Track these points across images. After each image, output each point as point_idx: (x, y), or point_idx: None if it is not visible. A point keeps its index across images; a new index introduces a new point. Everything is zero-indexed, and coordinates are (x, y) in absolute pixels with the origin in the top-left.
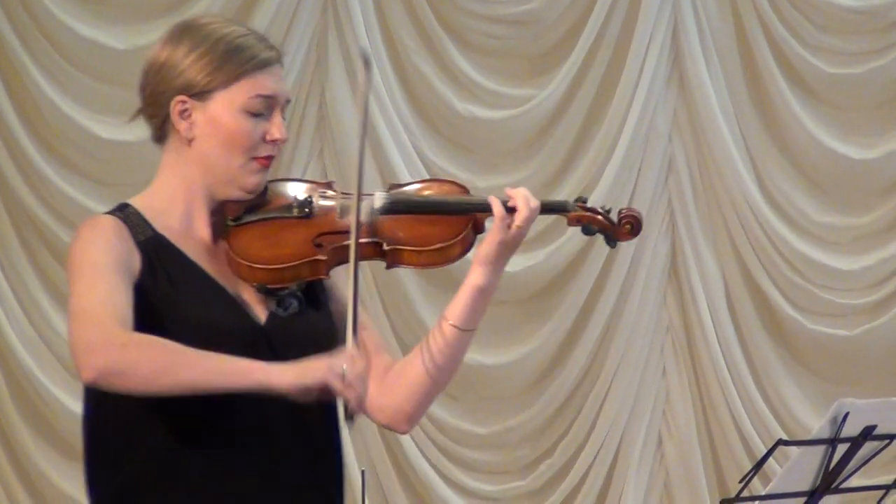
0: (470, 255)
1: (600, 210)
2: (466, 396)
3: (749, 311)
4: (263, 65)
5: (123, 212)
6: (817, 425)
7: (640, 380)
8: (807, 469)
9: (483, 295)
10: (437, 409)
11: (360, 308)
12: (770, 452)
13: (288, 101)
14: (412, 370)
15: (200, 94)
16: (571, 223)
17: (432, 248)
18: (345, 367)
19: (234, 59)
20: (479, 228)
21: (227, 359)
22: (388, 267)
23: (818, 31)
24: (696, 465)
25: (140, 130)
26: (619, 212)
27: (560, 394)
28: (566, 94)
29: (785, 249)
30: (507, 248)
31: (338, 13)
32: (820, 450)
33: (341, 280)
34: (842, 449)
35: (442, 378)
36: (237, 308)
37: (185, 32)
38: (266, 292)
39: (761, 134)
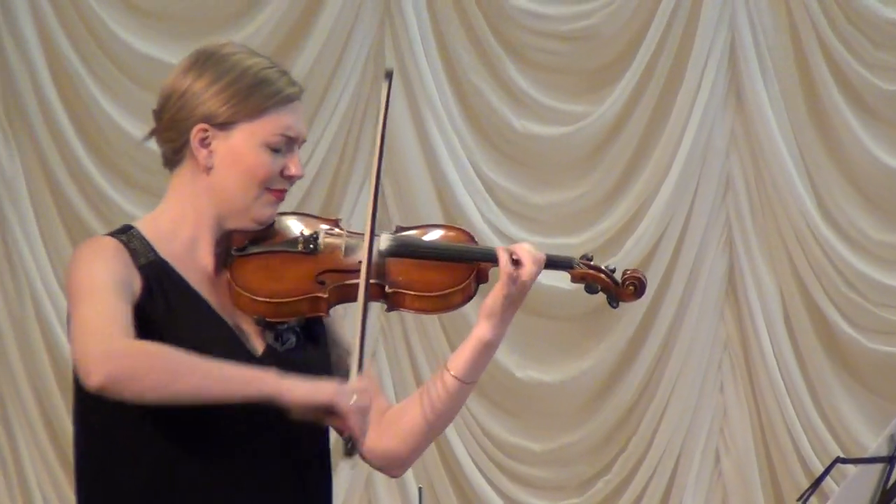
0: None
1: (604, 269)
2: (524, 413)
3: (806, 328)
4: (287, 101)
5: (126, 234)
6: (874, 443)
7: (698, 396)
8: (864, 487)
9: (488, 349)
10: (494, 426)
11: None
12: (828, 471)
13: (305, 140)
14: (409, 416)
15: (223, 124)
16: (575, 280)
17: (434, 294)
18: (355, 396)
19: (259, 93)
20: (482, 278)
21: (240, 367)
22: (389, 310)
23: (875, 47)
24: (753, 482)
25: None
26: (624, 273)
27: (618, 410)
28: (623, 110)
29: (842, 266)
30: (513, 302)
31: (395, 29)
32: (877, 468)
33: (340, 321)
34: None
35: (438, 426)
36: (234, 339)
37: (209, 61)
38: (265, 325)
39: (819, 151)
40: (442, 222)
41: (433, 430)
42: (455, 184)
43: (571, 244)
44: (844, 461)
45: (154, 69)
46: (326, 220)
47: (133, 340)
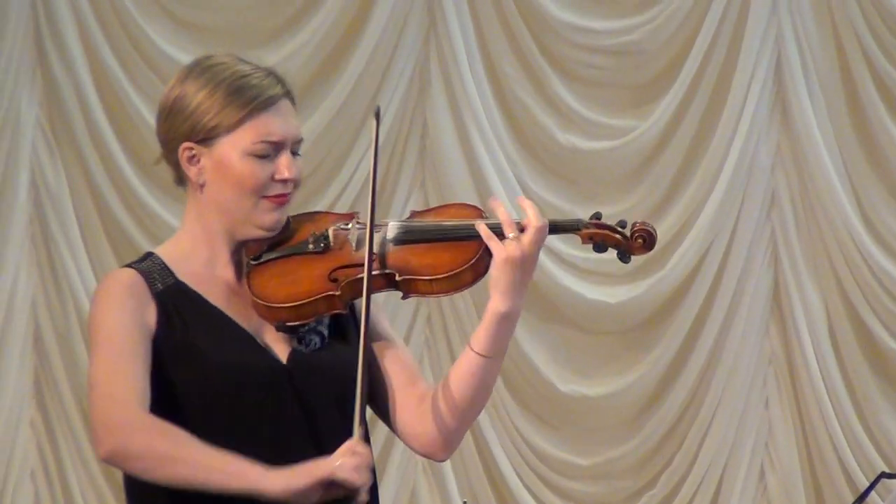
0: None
1: (612, 226)
2: (568, 427)
3: (851, 344)
4: (265, 105)
5: (146, 261)
6: None
7: (743, 411)
8: None
9: (503, 320)
10: (538, 440)
11: (397, 337)
12: (873, 486)
13: (299, 140)
14: (444, 398)
15: (205, 140)
16: (584, 241)
17: (443, 275)
18: (340, 461)
19: (236, 101)
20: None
21: (232, 460)
22: (404, 297)
23: None
24: (798, 498)
25: None
26: (633, 225)
27: (662, 425)
28: (668, 125)
29: (888, 281)
30: (515, 267)
31: (440, 44)
32: None
33: (380, 306)
34: None
35: (473, 405)
36: (257, 348)
37: (190, 74)
38: (287, 330)
39: (864, 166)
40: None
41: (470, 408)
42: (500, 198)
43: (616, 259)
44: (890, 476)
45: None
46: (342, 216)
47: (136, 414)
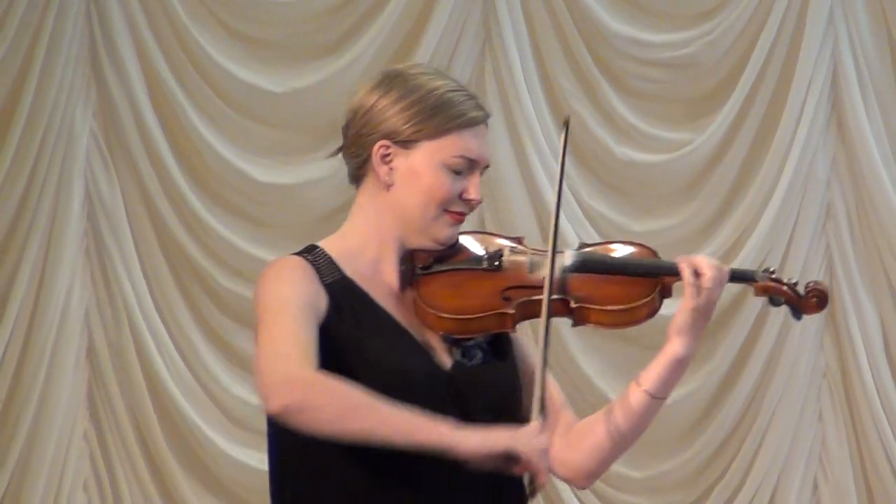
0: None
1: (787, 282)
2: None
3: None
4: (471, 123)
5: (312, 254)
6: None
7: (797, 424)
8: None
9: (681, 365)
10: None
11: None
12: None
13: (488, 165)
14: (598, 430)
15: (405, 142)
16: (758, 293)
17: (619, 307)
18: (532, 438)
19: (443, 113)
20: (666, 292)
21: (414, 414)
22: (575, 325)
23: None
24: None
25: (297, 173)
26: (807, 285)
27: (716, 438)
28: (724, 138)
29: None
30: (701, 314)
31: (496, 56)
32: None
33: (526, 335)
34: None
35: (627, 441)
36: (424, 353)
37: (397, 80)
38: (451, 342)
39: None
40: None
41: (621, 445)
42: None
43: None
44: None
45: (253, 96)
46: (509, 238)
47: (313, 371)
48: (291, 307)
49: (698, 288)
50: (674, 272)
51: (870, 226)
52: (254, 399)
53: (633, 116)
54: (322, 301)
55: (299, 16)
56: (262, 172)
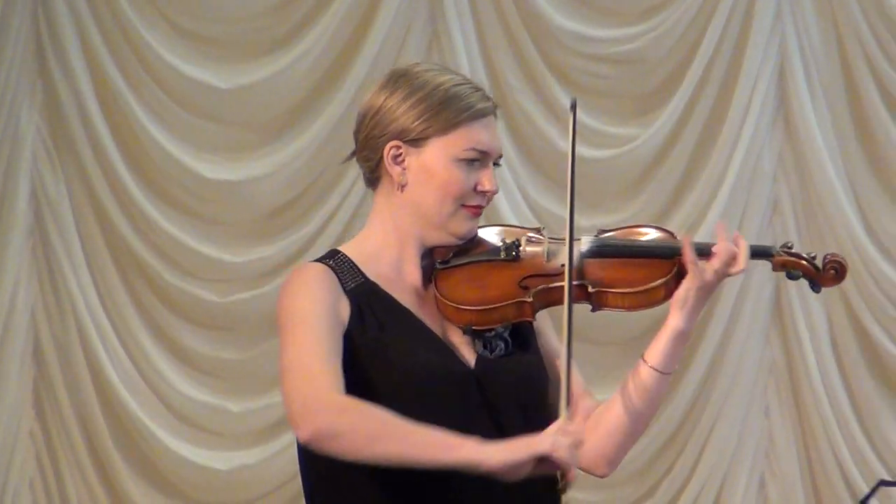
0: None
1: (805, 256)
2: None
3: (853, 352)
4: (479, 115)
5: (333, 259)
6: None
7: (743, 420)
8: None
9: (681, 338)
10: None
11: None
12: (871, 493)
13: (500, 156)
14: (612, 413)
15: (415, 140)
16: (776, 268)
17: (637, 289)
18: (559, 437)
19: (451, 107)
20: (684, 272)
21: (439, 433)
22: (594, 309)
23: None
24: None
25: (244, 170)
26: (825, 257)
27: (663, 433)
28: (671, 133)
29: (889, 289)
30: (703, 291)
31: (443, 52)
32: None
33: (548, 322)
34: None
35: (641, 421)
36: (447, 352)
37: (402, 78)
38: (473, 334)
39: (867, 174)
40: None
41: (636, 426)
42: (501, 206)
43: None
44: (889, 484)
45: (199, 92)
46: (528, 229)
47: (340, 395)
48: (313, 321)
49: (701, 269)
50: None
51: (816, 220)
52: (200, 395)
53: (581, 112)
54: (344, 308)
55: (246, 12)
56: (208, 169)
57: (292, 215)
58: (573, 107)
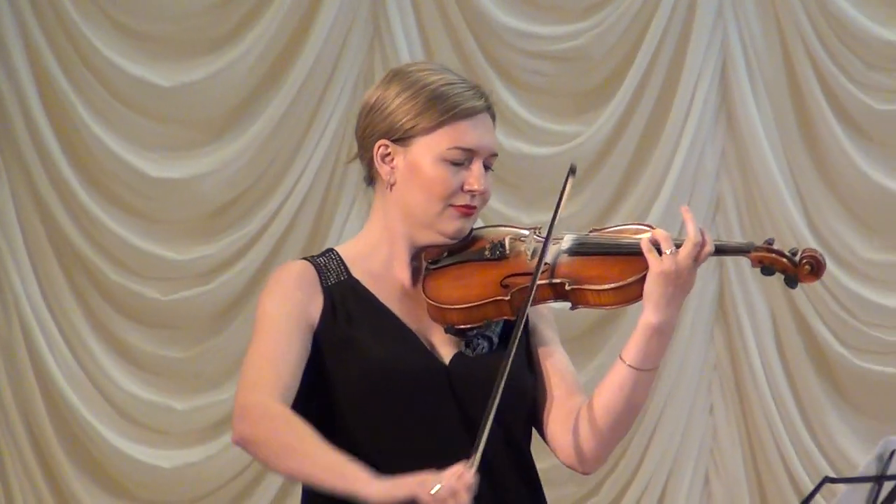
0: None
1: (783, 251)
2: None
3: (797, 349)
4: (466, 114)
5: (324, 256)
6: (864, 462)
7: (688, 417)
8: None
9: (655, 333)
10: None
11: (561, 348)
12: (816, 490)
13: (494, 155)
14: (594, 411)
15: (402, 139)
16: (754, 264)
17: (612, 286)
18: (439, 485)
19: (436, 106)
20: None
21: (340, 460)
22: (573, 307)
23: (867, 67)
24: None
25: (187, 168)
26: (802, 252)
27: None
28: (614, 131)
29: (833, 287)
30: (668, 280)
31: (385, 51)
32: (866, 487)
33: (545, 320)
34: (888, 486)
35: (624, 418)
36: (419, 348)
37: (396, 77)
38: (456, 333)
39: (810, 171)
40: None
41: (619, 422)
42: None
43: None
44: (833, 480)
45: (143, 91)
46: (524, 228)
47: (270, 403)
48: (277, 327)
49: (673, 256)
50: (657, 245)
51: (759, 217)
52: (144, 394)
53: (523, 109)
54: (316, 307)
55: (188, 10)
56: (151, 167)
57: (235, 213)
58: (573, 170)
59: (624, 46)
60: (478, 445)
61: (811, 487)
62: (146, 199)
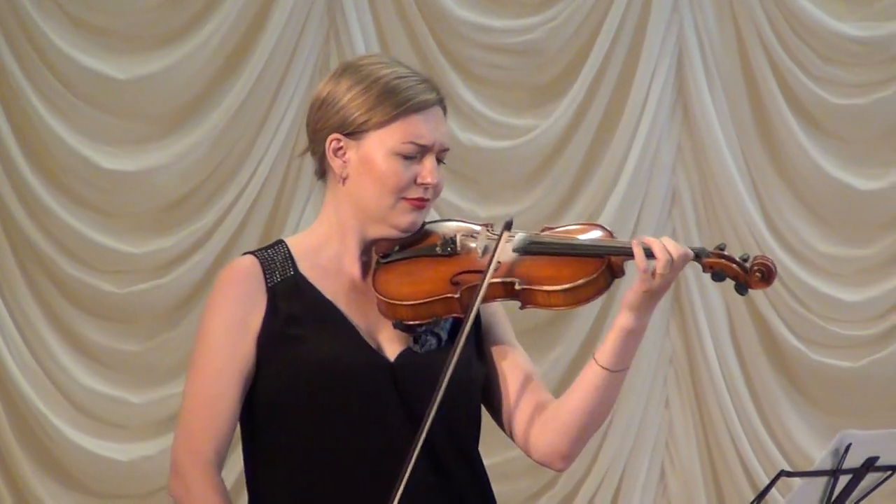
0: None
1: (734, 257)
2: None
3: (753, 343)
4: (418, 108)
5: (271, 249)
6: (820, 456)
7: (644, 411)
8: (809, 500)
9: (631, 336)
10: None
11: (517, 344)
12: (772, 484)
13: (446, 149)
14: (565, 409)
15: (354, 133)
16: (705, 269)
17: (562, 287)
18: None
19: (389, 100)
20: (615, 272)
21: None
22: (522, 307)
23: (823, 62)
24: (698, 497)
25: (142, 161)
26: (753, 259)
27: None
28: (569, 124)
29: (789, 280)
30: (653, 296)
31: (340, 43)
32: (822, 481)
33: (499, 317)
34: (844, 480)
35: (595, 417)
36: (362, 344)
37: (347, 70)
38: (404, 329)
39: (766, 165)
40: None
41: (591, 421)
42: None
43: None
44: (789, 474)
45: (98, 84)
46: (478, 224)
47: (200, 476)
48: (215, 349)
49: (650, 271)
50: (623, 252)
51: (715, 211)
52: (100, 387)
53: (478, 102)
54: (258, 311)
55: (143, 4)
56: (106, 160)
57: (191, 206)
58: (508, 226)
59: (579, 40)
60: (420, 433)
61: (766, 481)
62: (102, 193)
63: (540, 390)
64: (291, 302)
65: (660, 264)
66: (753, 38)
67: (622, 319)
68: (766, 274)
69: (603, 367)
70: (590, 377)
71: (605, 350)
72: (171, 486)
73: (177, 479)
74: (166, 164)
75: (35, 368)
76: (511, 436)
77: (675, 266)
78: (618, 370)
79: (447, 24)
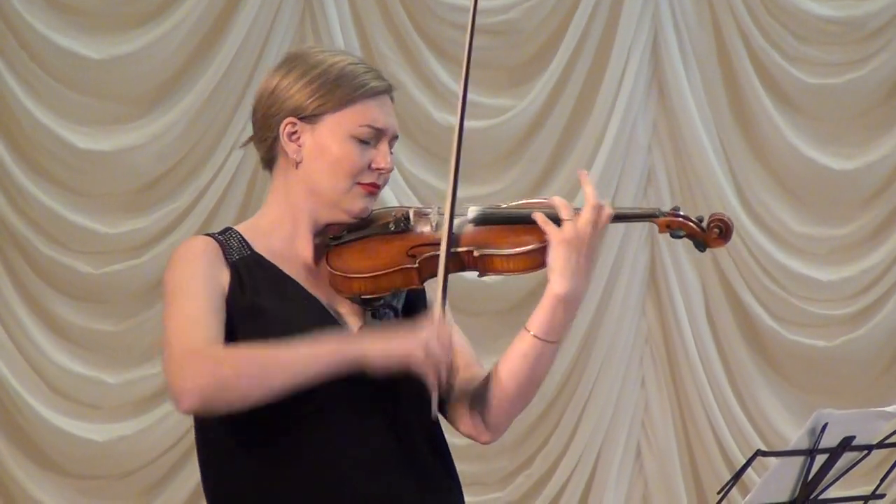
0: None
1: (691, 217)
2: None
3: (728, 322)
4: (373, 93)
5: (224, 234)
6: (796, 436)
7: (620, 390)
8: (785, 480)
9: (560, 303)
10: None
11: (454, 323)
12: (749, 463)
13: (396, 136)
14: (495, 381)
15: (310, 117)
16: (662, 229)
17: (518, 251)
18: (430, 337)
19: (346, 84)
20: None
21: (317, 343)
22: (481, 275)
23: (798, 41)
24: (674, 476)
25: (117, 141)
26: (710, 217)
27: (539, 404)
28: (545, 104)
29: (764, 260)
30: (570, 249)
31: (316, 23)
32: (798, 460)
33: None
34: (820, 460)
35: (525, 389)
36: (327, 317)
37: (297, 59)
38: (361, 303)
39: (741, 144)
40: None
41: (519, 395)
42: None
43: None
44: (765, 454)
45: (72, 64)
46: (421, 208)
47: (214, 349)
48: (192, 289)
49: (573, 223)
50: (553, 216)
51: (690, 190)
52: (76, 367)
53: (454, 82)
54: (224, 277)
55: None
56: (81, 140)
57: (167, 187)
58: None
59: (555, 19)
60: (441, 300)
61: (742, 460)
62: (77, 173)
63: (474, 366)
64: (255, 276)
65: (582, 217)
66: (728, 17)
67: (550, 285)
68: (724, 230)
69: (534, 336)
70: (518, 345)
71: (535, 317)
72: (192, 390)
73: (195, 377)
74: (142, 144)
75: (10, 349)
76: (442, 411)
77: (594, 218)
78: (548, 340)
79: (423, 4)
